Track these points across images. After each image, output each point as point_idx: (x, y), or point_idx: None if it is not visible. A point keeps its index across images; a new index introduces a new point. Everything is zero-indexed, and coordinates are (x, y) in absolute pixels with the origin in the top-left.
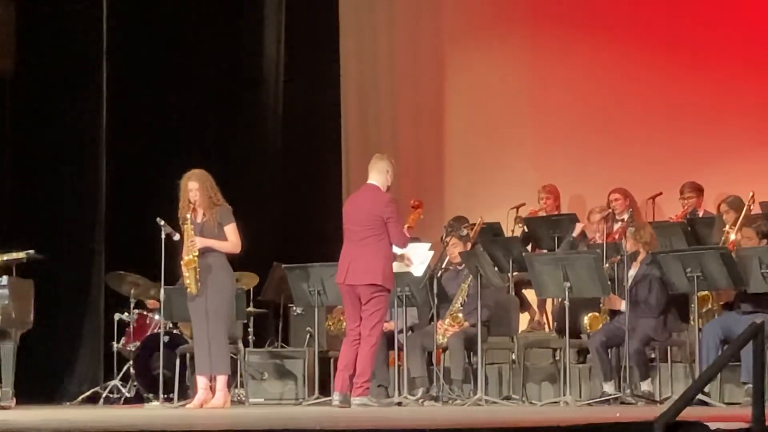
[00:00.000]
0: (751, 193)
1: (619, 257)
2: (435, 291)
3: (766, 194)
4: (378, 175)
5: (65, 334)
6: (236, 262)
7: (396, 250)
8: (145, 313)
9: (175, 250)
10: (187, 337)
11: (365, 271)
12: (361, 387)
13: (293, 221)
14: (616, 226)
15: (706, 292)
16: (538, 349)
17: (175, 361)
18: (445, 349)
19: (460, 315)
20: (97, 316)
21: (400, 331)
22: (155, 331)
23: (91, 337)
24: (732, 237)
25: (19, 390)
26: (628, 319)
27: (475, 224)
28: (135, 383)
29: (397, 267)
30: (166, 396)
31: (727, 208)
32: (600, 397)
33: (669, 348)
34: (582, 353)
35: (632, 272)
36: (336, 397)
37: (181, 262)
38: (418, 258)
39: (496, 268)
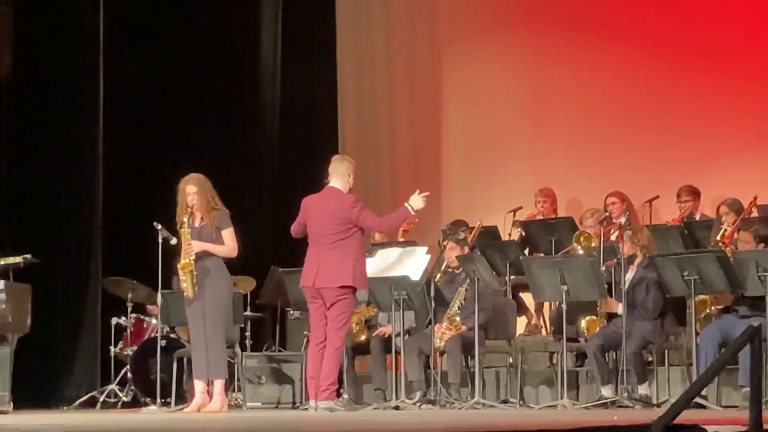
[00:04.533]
0: (753, 197)
1: (615, 260)
2: (432, 295)
3: (764, 198)
4: (339, 179)
5: (62, 338)
6: (233, 266)
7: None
8: (142, 317)
9: (172, 254)
10: (185, 341)
11: (337, 273)
12: (326, 390)
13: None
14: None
15: (705, 297)
16: (536, 352)
17: (173, 366)
18: (442, 353)
19: (458, 318)
20: (95, 321)
21: (398, 335)
22: (152, 335)
23: (89, 342)
24: (728, 230)
25: (16, 394)
26: (625, 323)
27: (473, 228)
28: (132, 387)
29: (392, 271)
30: (163, 400)
31: (726, 210)
32: (597, 401)
33: (666, 351)
34: (579, 357)
35: (629, 275)
36: (312, 404)
37: (178, 266)
38: (415, 257)
39: (493, 272)
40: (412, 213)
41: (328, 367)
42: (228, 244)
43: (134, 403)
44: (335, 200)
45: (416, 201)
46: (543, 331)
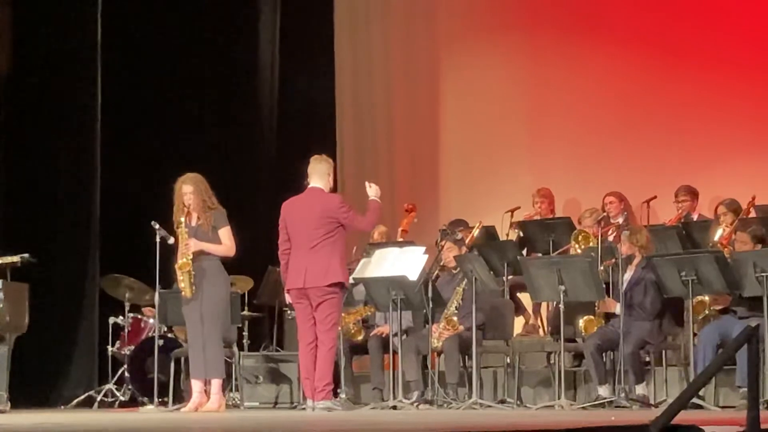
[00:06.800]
0: (752, 197)
1: (613, 260)
2: (430, 295)
3: (762, 198)
4: (319, 179)
5: (60, 337)
6: (231, 266)
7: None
8: (139, 316)
9: (170, 253)
10: (182, 340)
11: (326, 271)
12: (323, 391)
13: None
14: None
15: (702, 299)
16: (533, 352)
17: (170, 365)
18: (440, 353)
19: (455, 318)
20: (92, 320)
21: (395, 335)
22: (150, 334)
23: (86, 341)
24: (726, 231)
25: (13, 394)
26: (623, 323)
27: (473, 228)
28: (130, 387)
29: (389, 271)
30: (160, 400)
31: (725, 210)
32: (595, 401)
33: (664, 351)
34: (577, 357)
35: (627, 276)
36: (310, 404)
37: (176, 266)
38: (412, 257)
39: (491, 272)
40: (379, 201)
41: (322, 367)
42: (225, 243)
43: (132, 403)
44: (321, 200)
45: (373, 191)
46: (540, 331)
